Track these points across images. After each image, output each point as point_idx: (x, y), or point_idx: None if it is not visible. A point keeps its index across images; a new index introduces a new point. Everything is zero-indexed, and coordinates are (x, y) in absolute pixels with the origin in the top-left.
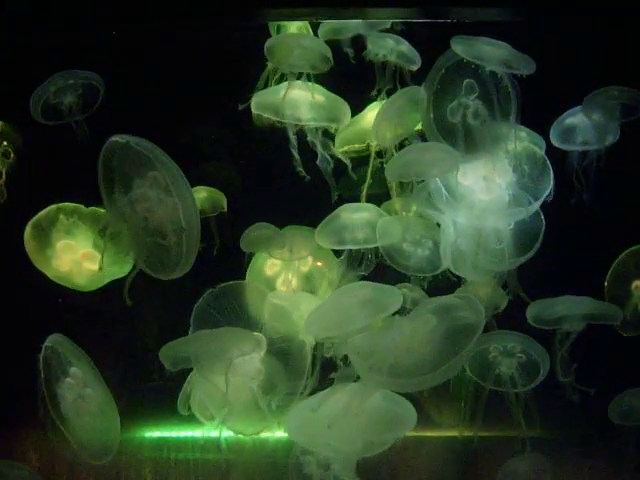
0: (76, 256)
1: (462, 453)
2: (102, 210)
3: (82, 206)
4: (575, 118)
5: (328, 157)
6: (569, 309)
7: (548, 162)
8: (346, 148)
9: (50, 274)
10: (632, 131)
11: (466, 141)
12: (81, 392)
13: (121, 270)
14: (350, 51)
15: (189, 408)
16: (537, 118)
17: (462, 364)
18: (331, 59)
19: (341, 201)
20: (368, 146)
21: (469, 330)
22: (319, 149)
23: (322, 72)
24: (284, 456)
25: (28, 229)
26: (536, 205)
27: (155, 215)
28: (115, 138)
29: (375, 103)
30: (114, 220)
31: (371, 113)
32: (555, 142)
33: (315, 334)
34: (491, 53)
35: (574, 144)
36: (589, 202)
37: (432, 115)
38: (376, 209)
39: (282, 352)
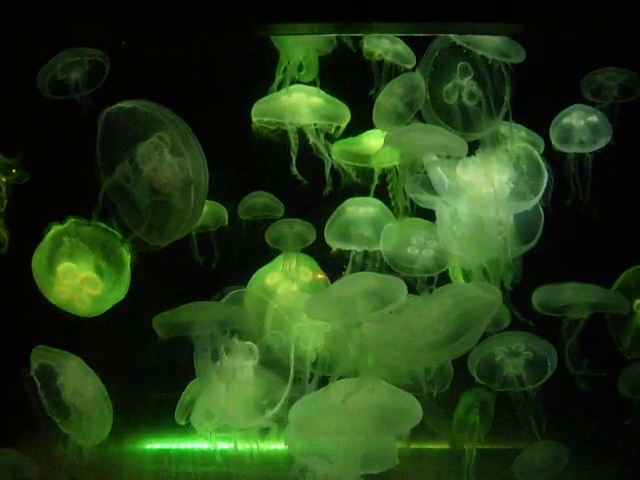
0: (76, 281)
1: (464, 465)
2: (103, 228)
3: (84, 225)
4: (570, 118)
5: (328, 157)
6: (576, 297)
7: (543, 161)
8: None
9: (55, 301)
10: (627, 131)
11: (463, 122)
12: (83, 380)
13: (121, 294)
14: (349, 42)
15: (187, 418)
16: (537, 118)
17: (476, 340)
18: (334, 41)
19: (332, 197)
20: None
21: (485, 308)
22: (321, 150)
23: (326, 54)
24: (284, 469)
25: (36, 256)
26: (535, 199)
27: (161, 174)
28: (120, 104)
29: (373, 130)
30: (115, 187)
31: (369, 139)
32: (555, 143)
33: (313, 317)
34: (482, 38)
35: (572, 144)
36: (586, 202)
37: (428, 97)
38: (381, 205)
39: (279, 361)
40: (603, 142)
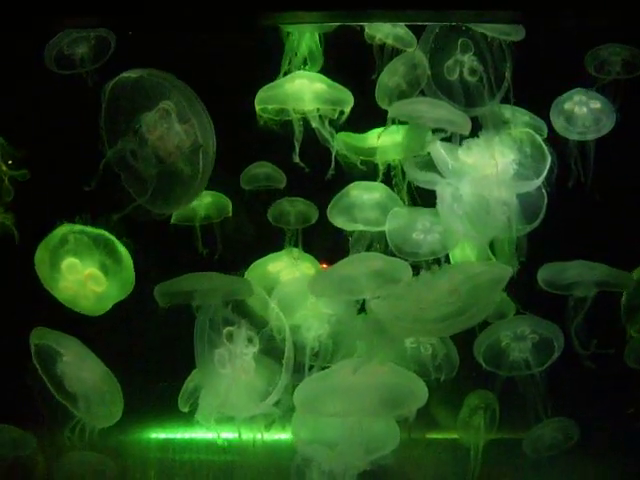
0: (80, 276)
1: (468, 455)
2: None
3: (90, 228)
4: (572, 103)
5: (332, 142)
6: (581, 274)
7: (546, 144)
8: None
9: (60, 297)
10: (629, 110)
11: (465, 98)
12: (81, 365)
13: (125, 292)
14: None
15: (190, 405)
16: (539, 99)
17: (487, 313)
18: None
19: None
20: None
21: (495, 281)
22: (325, 136)
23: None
24: (288, 459)
25: (39, 252)
26: (538, 180)
27: (168, 142)
28: (126, 74)
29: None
30: (119, 157)
31: (374, 137)
32: (558, 129)
33: (317, 295)
34: None
35: (574, 129)
36: (589, 183)
37: (429, 74)
38: (387, 189)
39: (279, 350)
40: (606, 128)
